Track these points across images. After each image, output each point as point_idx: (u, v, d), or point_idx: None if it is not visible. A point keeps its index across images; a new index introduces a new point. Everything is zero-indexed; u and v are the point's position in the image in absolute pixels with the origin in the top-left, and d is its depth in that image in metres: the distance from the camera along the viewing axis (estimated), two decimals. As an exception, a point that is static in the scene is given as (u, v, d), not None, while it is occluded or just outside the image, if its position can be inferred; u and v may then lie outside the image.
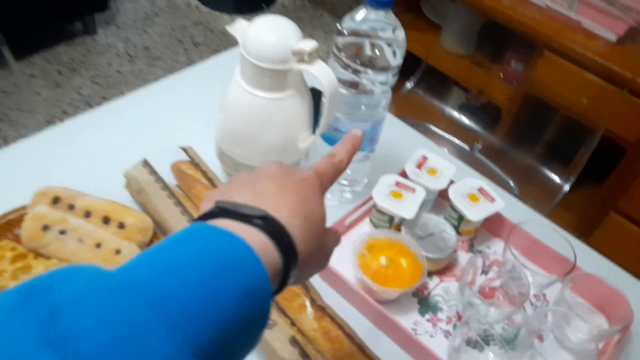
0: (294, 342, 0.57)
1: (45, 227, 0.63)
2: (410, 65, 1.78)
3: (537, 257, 0.71)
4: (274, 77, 0.64)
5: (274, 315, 0.59)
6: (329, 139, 0.72)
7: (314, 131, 0.71)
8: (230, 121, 0.69)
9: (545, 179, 1.44)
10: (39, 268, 0.61)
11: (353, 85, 0.66)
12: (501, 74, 1.76)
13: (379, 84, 0.66)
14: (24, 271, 0.60)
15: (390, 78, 0.66)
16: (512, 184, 1.36)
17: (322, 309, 0.61)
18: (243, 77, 0.66)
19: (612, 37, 1.40)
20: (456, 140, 1.50)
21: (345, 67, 0.65)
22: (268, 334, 0.57)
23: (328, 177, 0.42)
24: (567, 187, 1.38)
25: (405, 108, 1.65)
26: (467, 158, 0.77)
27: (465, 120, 1.64)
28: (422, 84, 1.65)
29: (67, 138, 0.81)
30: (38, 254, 0.63)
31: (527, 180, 1.15)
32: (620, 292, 0.65)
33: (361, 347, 0.58)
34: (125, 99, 0.88)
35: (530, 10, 1.51)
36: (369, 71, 0.64)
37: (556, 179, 1.42)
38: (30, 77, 2.06)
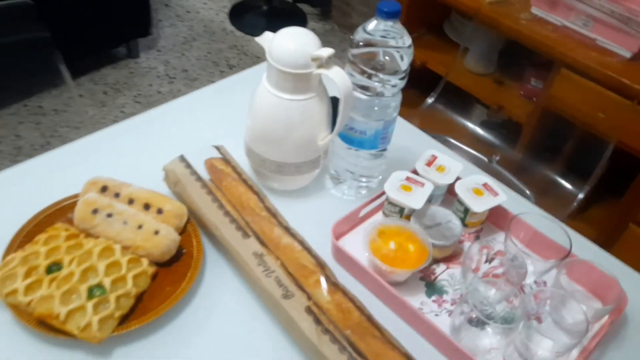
0: (309, 311, 0.64)
1: (95, 211, 0.72)
2: (432, 83, 1.86)
3: (536, 246, 0.77)
4: (296, 80, 0.72)
5: (292, 288, 0.66)
6: (346, 138, 0.80)
7: (332, 131, 0.79)
8: (257, 121, 0.78)
9: (560, 188, 1.49)
10: (89, 245, 0.70)
11: (366, 89, 0.74)
12: (521, 91, 1.82)
13: (389, 86, 0.74)
14: (76, 248, 0.69)
15: (399, 81, 0.74)
16: (528, 192, 1.40)
17: (335, 285, 0.68)
18: (269, 82, 0.75)
19: (626, 53, 1.45)
20: (475, 153, 1.56)
21: (360, 72, 0.73)
22: (286, 304, 0.65)
23: None
24: (581, 195, 1.42)
25: (426, 122, 1.72)
26: (485, 169, 0.83)
27: (485, 134, 1.70)
28: (442, 100, 1.72)
29: (117, 138, 0.91)
30: (88, 234, 0.72)
31: (543, 190, 1.20)
32: (612, 277, 0.70)
33: (370, 318, 0.65)
34: (167, 105, 0.99)
35: (547, 29, 1.57)
36: (380, 75, 0.72)
37: (571, 188, 1.46)
38: (78, 97, 2.21)
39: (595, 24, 1.50)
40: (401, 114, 1.00)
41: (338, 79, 0.70)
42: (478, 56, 1.92)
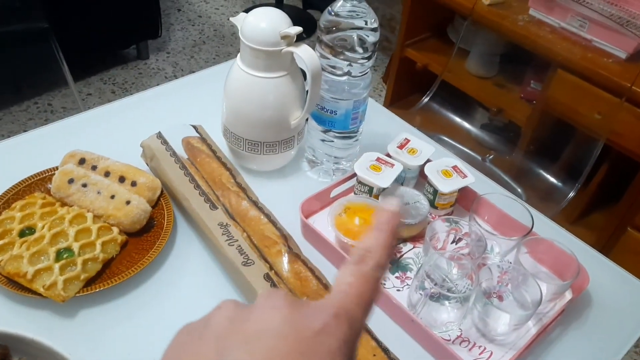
0: (267, 277, 0.65)
1: (71, 181, 0.75)
2: (430, 83, 1.87)
3: (501, 227, 0.77)
4: (267, 58, 0.75)
5: (253, 256, 0.68)
6: (318, 118, 0.82)
7: (304, 111, 0.81)
8: (230, 100, 0.80)
9: (552, 187, 1.48)
10: (62, 212, 0.72)
11: (335, 68, 0.76)
12: (522, 94, 1.83)
13: (357, 65, 0.76)
14: (50, 214, 0.72)
15: (366, 60, 0.75)
16: (519, 190, 1.40)
17: (296, 255, 0.69)
18: (242, 60, 0.77)
19: (622, 54, 1.45)
20: (469, 151, 1.57)
21: (328, 52, 0.75)
22: (245, 271, 0.66)
23: (361, 304, 0.27)
24: (572, 194, 1.42)
25: (422, 121, 1.73)
26: (478, 168, 0.84)
27: (482, 136, 1.71)
28: (438, 100, 1.74)
29: (100, 118, 0.94)
30: (63, 203, 0.75)
31: (535, 189, 1.20)
32: (572, 255, 0.70)
33: (327, 286, 0.66)
34: (151, 91, 1.02)
35: (544, 31, 1.58)
36: (348, 54, 0.74)
37: (562, 186, 1.46)
38: (87, 96, 2.27)
39: (591, 25, 1.51)
40: (399, 114, 1.02)
41: (306, 56, 0.72)
42: (479, 59, 1.93)
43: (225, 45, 2.65)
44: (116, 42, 2.37)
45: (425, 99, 1.71)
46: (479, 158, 1.56)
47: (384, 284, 0.73)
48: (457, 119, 1.77)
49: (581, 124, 1.55)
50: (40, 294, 0.64)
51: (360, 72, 0.76)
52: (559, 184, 1.50)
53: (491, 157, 1.51)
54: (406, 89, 2.10)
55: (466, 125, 1.76)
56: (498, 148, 1.70)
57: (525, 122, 1.73)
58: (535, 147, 1.63)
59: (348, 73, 0.76)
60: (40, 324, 0.64)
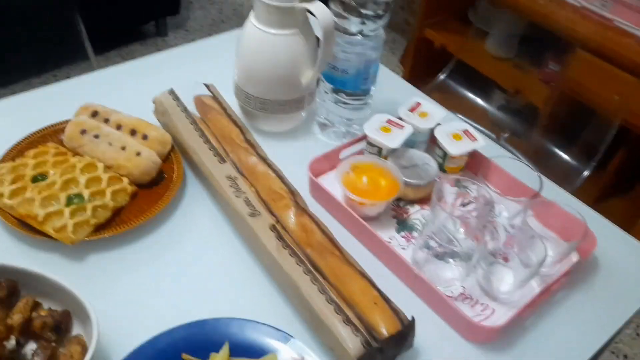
0: (272, 228, 0.66)
1: (83, 131, 0.76)
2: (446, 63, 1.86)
3: (510, 191, 0.77)
4: (280, 14, 0.75)
5: (260, 208, 0.68)
6: (329, 77, 0.82)
7: (316, 71, 0.81)
8: (243, 57, 0.81)
9: (567, 166, 1.47)
10: (74, 161, 0.73)
11: (347, 27, 0.76)
12: (540, 76, 1.80)
13: (369, 23, 0.75)
14: (62, 163, 0.73)
15: (379, 19, 0.75)
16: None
17: (303, 210, 0.69)
18: (255, 17, 0.78)
19: (644, 34, 1.43)
20: (484, 130, 1.56)
21: (341, 9, 0.75)
22: (251, 221, 0.67)
23: None
24: (587, 172, 1.40)
25: (436, 98, 1.72)
26: None
27: (499, 115, 1.69)
28: (455, 78, 1.72)
29: (116, 77, 0.95)
30: (75, 153, 0.76)
31: (549, 167, 1.18)
32: (579, 218, 0.69)
33: (332, 239, 0.66)
34: (166, 53, 1.03)
35: (565, 10, 1.55)
36: (361, 11, 0.74)
37: (577, 165, 1.44)
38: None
39: (613, 5, 1.48)
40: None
41: (319, 12, 0.72)
42: (499, 40, 1.91)
43: (240, 27, 2.64)
44: (136, 16, 2.38)
45: (442, 76, 1.70)
46: (494, 137, 1.55)
47: (390, 243, 0.73)
48: (474, 99, 1.75)
49: (599, 105, 1.53)
50: (50, 236, 0.65)
51: (372, 31, 0.76)
52: (575, 163, 1.48)
53: (506, 136, 1.50)
54: (424, 70, 2.09)
55: (483, 105, 1.75)
56: (514, 129, 1.68)
57: (543, 103, 1.71)
58: (552, 128, 1.61)
59: (360, 32, 0.76)
60: (50, 266, 0.66)
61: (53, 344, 0.55)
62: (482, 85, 1.82)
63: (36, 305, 0.58)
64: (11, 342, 0.54)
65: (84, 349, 0.54)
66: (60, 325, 0.56)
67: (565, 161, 1.53)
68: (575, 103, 1.58)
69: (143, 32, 2.50)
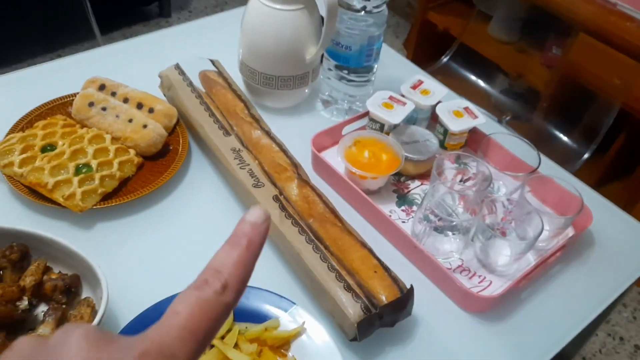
0: (275, 199, 0.68)
1: (91, 104, 0.77)
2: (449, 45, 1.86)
3: (509, 167, 0.78)
4: (284, -9, 0.76)
5: (263, 179, 0.70)
6: (332, 54, 0.83)
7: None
8: (247, 32, 0.82)
9: (567, 148, 1.48)
10: (82, 132, 0.75)
11: (350, 5, 0.77)
12: (542, 60, 1.81)
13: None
14: (70, 134, 0.75)
15: (381, -3, 0.76)
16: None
17: (305, 182, 0.71)
18: (260, -7, 0.79)
19: (647, 18, 1.43)
20: (485, 112, 1.57)
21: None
22: (255, 192, 0.68)
23: (189, 338, 0.23)
24: (587, 155, 1.42)
25: (441, 81, 1.73)
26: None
27: (501, 98, 1.70)
28: (458, 60, 1.73)
29: (122, 52, 0.96)
30: (83, 125, 0.78)
31: (550, 150, 1.20)
32: (575, 194, 0.71)
33: (333, 211, 0.68)
34: (172, 29, 1.04)
35: (568, -7, 1.56)
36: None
37: (577, 147, 1.45)
38: (109, 50, 2.29)
39: (616, -12, 1.48)
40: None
41: (323, -11, 0.73)
42: (502, 24, 1.91)
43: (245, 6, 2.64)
44: (139, -3, 2.38)
45: (445, 59, 1.70)
46: (496, 119, 1.56)
47: (390, 216, 0.74)
48: (476, 82, 1.76)
49: (600, 89, 1.54)
50: (59, 204, 0.67)
51: (376, 8, 0.77)
52: (575, 146, 1.49)
53: (508, 118, 1.51)
54: (427, 53, 2.09)
55: (485, 88, 1.76)
56: (516, 112, 1.69)
57: (544, 86, 1.72)
58: (553, 111, 1.62)
59: (364, 8, 0.77)
60: (59, 233, 0.66)
61: (63, 306, 0.57)
62: (485, 69, 1.83)
63: (47, 269, 0.60)
64: (24, 303, 0.56)
65: (94, 311, 0.56)
66: (70, 288, 0.58)
67: (565, 144, 1.55)
68: (576, 86, 1.58)
69: (146, 13, 2.50)
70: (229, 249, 0.26)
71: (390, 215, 0.74)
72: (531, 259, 0.71)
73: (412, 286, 0.61)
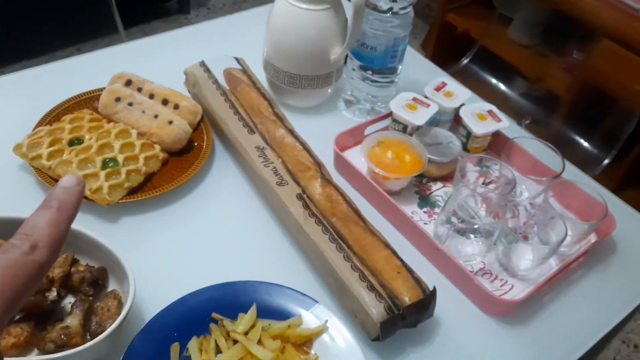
0: (299, 197, 0.68)
1: (118, 99, 0.78)
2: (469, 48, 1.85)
3: (532, 171, 0.78)
4: (311, -10, 0.76)
5: (287, 177, 0.70)
6: (357, 54, 0.83)
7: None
8: (273, 32, 0.82)
9: (586, 153, 1.47)
10: (108, 127, 0.76)
11: (377, 6, 0.77)
12: (563, 64, 1.80)
13: (401, 0, 0.76)
14: (97, 129, 0.76)
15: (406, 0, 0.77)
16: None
17: (329, 181, 0.71)
18: (287, -8, 0.79)
19: (670, 24, 1.42)
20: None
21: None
22: (279, 190, 0.69)
23: None
24: (606, 161, 1.41)
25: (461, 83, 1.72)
26: None
27: (519, 102, 1.70)
28: (478, 63, 1.72)
29: (147, 48, 0.97)
30: (110, 120, 0.78)
31: (569, 155, 1.19)
32: (599, 200, 0.71)
33: (356, 211, 0.68)
34: (196, 26, 1.05)
35: (591, -3, 1.55)
36: (392, -9, 0.75)
37: (596, 152, 1.45)
38: (128, 45, 2.31)
39: (640, -7, 1.47)
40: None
41: (351, -11, 0.74)
42: (523, 27, 1.91)
43: (266, 5, 2.65)
44: (159, -7, 2.40)
45: (465, 61, 1.70)
46: (515, 122, 1.55)
47: (412, 218, 0.74)
48: (496, 85, 1.76)
49: (621, 95, 1.52)
50: (86, 197, 0.68)
51: (402, 9, 0.77)
52: (595, 151, 1.48)
53: (527, 122, 1.50)
54: (445, 55, 2.08)
55: (504, 91, 1.75)
56: (535, 116, 1.68)
57: (564, 91, 1.71)
58: (572, 116, 1.61)
59: (390, 9, 0.77)
60: (85, 226, 0.68)
61: (90, 298, 0.58)
62: (504, 72, 1.82)
63: (75, 261, 0.61)
64: (52, 294, 0.57)
65: (120, 304, 0.57)
66: (97, 280, 0.59)
67: (585, 149, 1.54)
68: (597, 92, 1.57)
69: (166, 9, 2.51)
70: (40, 212, 0.27)
71: (412, 217, 0.75)
72: (553, 264, 0.71)
73: (434, 288, 0.61)
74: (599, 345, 0.72)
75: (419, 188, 0.79)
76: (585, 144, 1.55)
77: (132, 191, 0.71)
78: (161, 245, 0.68)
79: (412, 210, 0.76)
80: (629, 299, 0.71)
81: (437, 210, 0.76)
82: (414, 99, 0.82)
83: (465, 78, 1.74)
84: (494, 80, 1.78)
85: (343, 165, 0.79)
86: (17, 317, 0.56)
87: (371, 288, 0.59)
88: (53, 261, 0.26)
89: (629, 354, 1.52)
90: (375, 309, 0.58)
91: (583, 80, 1.63)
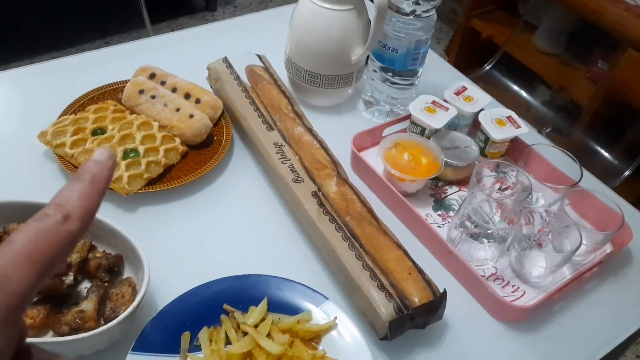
0: (314, 195, 0.69)
1: (141, 91, 0.80)
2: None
3: (549, 179, 0.78)
4: (335, -9, 0.77)
5: (303, 175, 0.71)
6: (378, 56, 0.84)
7: (366, 49, 0.83)
8: (296, 31, 0.83)
9: (607, 164, 1.46)
10: (131, 118, 0.77)
11: (400, 8, 0.78)
12: (587, 74, 1.78)
13: (423, 2, 0.77)
14: (120, 120, 0.77)
15: (431, 2, 0.77)
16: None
17: (345, 180, 0.72)
18: (311, -8, 0.80)
19: (699, 36, 1.40)
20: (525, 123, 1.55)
21: (397, -10, 0.77)
22: (295, 187, 0.70)
23: (26, 263, 0.23)
24: (627, 172, 1.39)
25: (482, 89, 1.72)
26: None
27: (541, 110, 1.68)
28: (500, 69, 1.72)
29: (171, 42, 0.99)
30: (132, 112, 0.80)
31: (589, 165, 1.18)
32: (616, 210, 0.70)
33: (370, 211, 0.69)
34: (220, 23, 1.06)
35: (618, 7, 1.53)
36: (416, -7, 0.76)
37: (617, 163, 1.43)
38: (154, 40, 2.34)
39: (669, 5, 1.45)
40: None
41: (374, -9, 0.74)
42: (548, 35, 1.89)
43: (291, 4, 2.67)
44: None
45: (487, 67, 1.69)
46: (536, 130, 1.54)
47: (427, 220, 0.74)
48: (518, 92, 1.74)
49: (646, 106, 1.50)
50: (106, 186, 0.69)
51: (425, 12, 0.78)
52: (616, 162, 1.47)
53: (548, 130, 1.49)
54: (468, 60, 2.08)
55: (526, 99, 1.74)
56: (556, 125, 1.67)
57: (588, 101, 1.69)
58: (595, 126, 1.59)
59: (413, 11, 0.77)
60: (104, 214, 0.70)
61: (106, 284, 0.59)
62: (527, 79, 1.81)
63: (92, 248, 0.62)
64: (69, 278, 0.58)
65: (134, 291, 0.58)
66: (113, 267, 0.60)
67: (605, 159, 1.52)
68: (621, 102, 1.55)
69: (192, 6, 2.54)
70: (72, 184, 0.27)
71: (426, 219, 0.75)
72: (567, 273, 0.70)
73: (445, 290, 0.61)
74: (610, 357, 0.72)
75: (435, 191, 0.79)
76: (606, 154, 1.53)
77: (151, 182, 0.72)
78: (177, 236, 0.69)
79: (426, 212, 0.76)
80: (643, 311, 0.70)
81: (451, 213, 0.77)
82: (434, 102, 0.82)
83: (487, 84, 1.73)
84: (516, 88, 1.77)
85: (359, 165, 0.80)
86: (35, 299, 0.57)
87: (381, 287, 0.60)
88: (82, 233, 0.26)
89: (643, 370, 1.50)
90: (385, 308, 0.58)
91: (607, 90, 1.61)
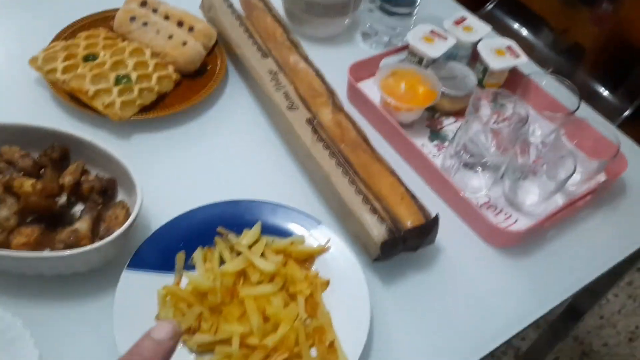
0: (309, 122, 0.68)
1: (132, 18, 0.78)
2: None
3: (547, 109, 0.77)
4: None
5: (298, 102, 0.70)
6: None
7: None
8: (292, -44, 0.80)
9: (609, 104, 1.45)
10: (123, 45, 0.76)
11: None
12: (591, 15, 1.74)
13: None
14: (112, 46, 0.76)
15: None
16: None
17: (340, 108, 0.71)
18: None
19: None
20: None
21: None
22: (289, 114, 0.69)
23: None
24: (628, 112, 1.39)
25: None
26: None
27: (544, 52, 1.66)
28: (503, 9, 1.68)
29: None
30: (124, 39, 0.78)
31: (590, 103, 1.16)
32: (612, 140, 0.70)
33: (365, 138, 0.68)
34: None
35: (627, -57, 1.48)
36: None
37: (619, 104, 1.42)
38: None
39: (680, -60, 1.40)
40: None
41: None
42: (553, -25, 1.83)
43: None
44: None
45: (489, 6, 1.66)
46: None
47: (422, 150, 0.74)
48: (520, 34, 1.71)
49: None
50: (98, 112, 0.69)
51: None
52: (616, 101, 1.45)
53: (550, 71, 1.47)
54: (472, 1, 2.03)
55: (529, 40, 1.71)
56: (559, 66, 1.64)
57: (591, 43, 1.66)
58: (597, 68, 1.57)
59: None
60: (97, 139, 0.70)
61: (99, 207, 0.60)
62: (530, 21, 1.77)
63: (85, 171, 0.62)
64: (62, 199, 0.58)
65: (127, 213, 0.58)
66: (106, 190, 0.61)
67: (607, 99, 1.50)
68: (625, 44, 1.53)
69: None
70: (152, 344, 0.23)
71: (421, 149, 0.74)
72: (560, 202, 0.70)
73: (437, 215, 0.61)
74: (600, 286, 0.73)
75: (431, 122, 0.79)
76: (608, 95, 1.52)
77: (144, 109, 0.72)
78: (171, 164, 0.69)
79: (422, 142, 0.76)
80: (634, 240, 0.70)
81: (446, 144, 0.76)
82: (432, 32, 0.80)
83: (489, 24, 1.70)
84: (518, 29, 1.73)
85: (356, 95, 0.79)
86: (28, 219, 0.57)
87: (374, 211, 0.60)
88: None
89: (634, 309, 1.53)
90: (377, 230, 0.58)
91: (611, 32, 1.58)
